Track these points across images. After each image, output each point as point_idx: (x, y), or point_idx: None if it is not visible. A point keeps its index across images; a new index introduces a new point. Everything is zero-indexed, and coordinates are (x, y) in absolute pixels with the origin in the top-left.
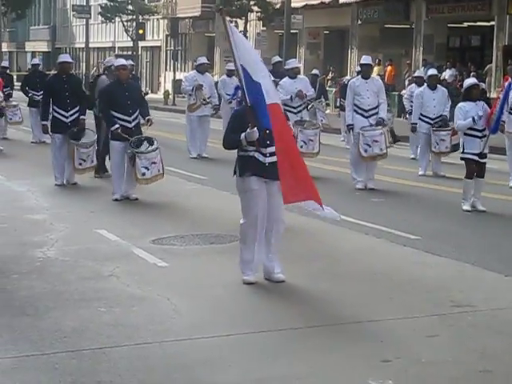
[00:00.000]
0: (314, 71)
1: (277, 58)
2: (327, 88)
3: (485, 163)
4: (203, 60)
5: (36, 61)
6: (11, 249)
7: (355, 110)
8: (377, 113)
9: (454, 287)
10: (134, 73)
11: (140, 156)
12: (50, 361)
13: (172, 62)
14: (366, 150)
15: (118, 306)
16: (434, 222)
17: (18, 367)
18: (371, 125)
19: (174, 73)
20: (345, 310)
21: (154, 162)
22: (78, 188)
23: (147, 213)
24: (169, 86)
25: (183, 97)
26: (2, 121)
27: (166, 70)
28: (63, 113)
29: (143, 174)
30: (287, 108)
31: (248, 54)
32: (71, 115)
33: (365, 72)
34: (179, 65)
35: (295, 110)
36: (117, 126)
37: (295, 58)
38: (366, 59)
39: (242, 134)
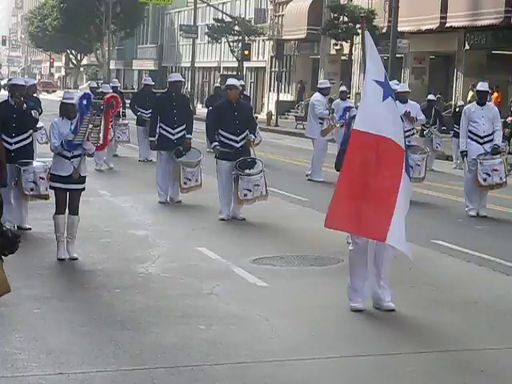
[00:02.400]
0: (430, 96)
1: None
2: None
3: None
4: (327, 84)
5: (149, 80)
6: (114, 264)
7: (470, 137)
8: (491, 140)
9: None
10: (245, 93)
11: (243, 178)
12: (149, 376)
13: (276, 83)
14: (485, 179)
15: (218, 324)
16: None
17: (119, 381)
18: (486, 152)
19: (278, 94)
20: (444, 338)
21: (257, 185)
22: (181, 206)
23: (248, 232)
24: (272, 107)
25: (286, 118)
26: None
27: (269, 90)
28: (170, 130)
29: (245, 195)
30: None
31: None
32: (178, 133)
33: (481, 98)
34: (283, 86)
35: (405, 135)
36: (215, 143)
37: (400, 82)
38: (483, 85)
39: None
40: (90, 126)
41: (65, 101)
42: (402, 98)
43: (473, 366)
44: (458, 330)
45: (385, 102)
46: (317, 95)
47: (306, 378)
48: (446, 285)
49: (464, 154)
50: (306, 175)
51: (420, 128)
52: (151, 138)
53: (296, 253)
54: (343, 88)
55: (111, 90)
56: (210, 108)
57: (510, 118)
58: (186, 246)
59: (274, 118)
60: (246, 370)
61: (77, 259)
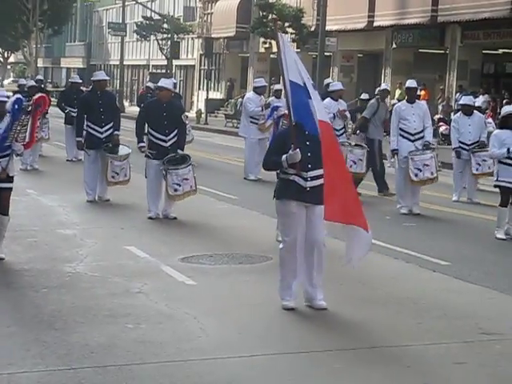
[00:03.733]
0: (364, 96)
1: (328, 80)
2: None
3: None
4: (263, 82)
5: (76, 78)
6: (41, 263)
7: (401, 135)
8: (422, 137)
9: (483, 314)
10: (176, 91)
11: (171, 172)
12: (77, 376)
13: (205, 81)
14: (416, 175)
15: (146, 322)
16: (465, 248)
17: (45, 381)
18: (418, 149)
19: (207, 92)
20: (372, 335)
21: (186, 179)
22: (109, 205)
23: (177, 231)
24: (201, 105)
25: (215, 116)
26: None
27: (199, 88)
28: (98, 129)
29: (175, 190)
30: None
31: (300, 69)
32: (106, 131)
33: (411, 96)
34: (212, 84)
35: (338, 133)
36: (142, 144)
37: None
38: (412, 83)
39: (284, 156)
40: (19, 127)
41: None
42: (334, 96)
43: (400, 362)
44: (386, 326)
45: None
46: (250, 94)
47: (234, 376)
48: (374, 282)
49: (395, 152)
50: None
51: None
52: (78, 138)
53: (225, 251)
54: (277, 86)
55: (32, 83)
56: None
57: (436, 116)
58: (115, 244)
59: (203, 116)
60: (174, 368)
61: (3, 259)
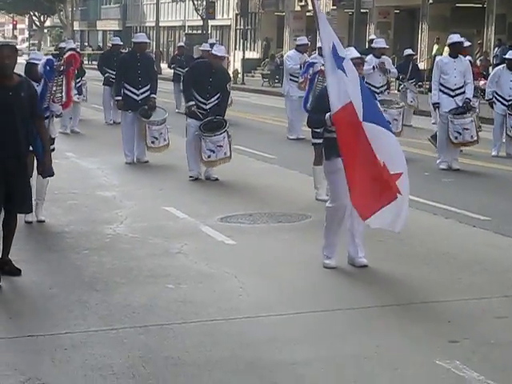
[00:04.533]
0: (408, 51)
1: (372, 36)
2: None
3: None
4: (305, 40)
5: (117, 40)
6: (81, 225)
7: (441, 90)
8: (463, 93)
9: None
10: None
11: (205, 139)
12: (119, 336)
13: (241, 41)
14: (456, 138)
15: (186, 282)
16: (505, 203)
17: (88, 342)
18: (458, 106)
19: (244, 52)
20: (411, 291)
21: (220, 146)
22: (148, 166)
23: (215, 191)
24: (238, 65)
25: (252, 76)
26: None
27: (235, 48)
28: (134, 90)
29: (209, 157)
30: (370, 87)
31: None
32: (142, 93)
33: (454, 50)
34: (248, 44)
35: (378, 91)
36: (191, 103)
37: (365, 37)
38: (456, 37)
39: (327, 114)
40: (54, 87)
41: (31, 61)
42: (377, 53)
43: (441, 318)
44: (426, 282)
45: (335, 75)
46: (291, 52)
47: (274, 334)
48: (413, 238)
49: (436, 105)
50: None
51: (397, 83)
52: (117, 98)
53: (263, 210)
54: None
55: (72, 46)
56: (187, 69)
57: (481, 82)
58: (154, 206)
59: (240, 76)
60: (215, 327)
61: (44, 221)
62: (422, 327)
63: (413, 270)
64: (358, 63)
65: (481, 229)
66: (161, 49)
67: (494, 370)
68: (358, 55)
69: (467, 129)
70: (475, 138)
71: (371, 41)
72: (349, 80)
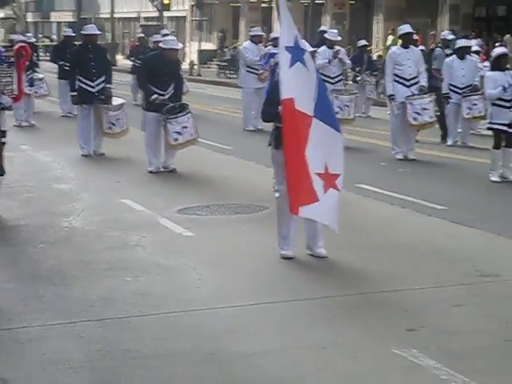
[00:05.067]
0: (362, 42)
1: (323, 27)
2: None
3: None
4: (259, 31)
5: (69, 32)
6: (38, 218)
7: (396, 80)
8: (417, 82)
9: (480, 257)
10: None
11: (171, 121)
12: (77, 329)
13: (197, 32)
14: (415, 118)
15: (144, 275)
16: (460, 192)
17: (45, 336)
18: (414, 94)
19: (200, 43)
20: (370, 280)
21: (186, 127)
22: (105, 159)
23: (172, 183)
24: (194, 57)
25: (208, 67)
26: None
27: (191, 40)
28: (89, 83)
29: (176, 140)
30: (325, 78)
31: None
32: (97, 85)
33: (405, 41)
34: (204, 35)
35: (332, 81)
36: (155, 96)
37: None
38: (406, 28)
39: (280, 107)
40: (3, 79)
41: None
42: (330, 44)
43: (399, 306)
44: (385, 271)
45: (292, 68)
46: (246, 43)
47: (233, 325)
48: (371, 228)
49: (392, 97)
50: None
51: (353, 74)
52: (72, 93)
53: (221, 201)
54: (274, 35)
55: (22, 38)
56: (140, 63)
57: None
58: (111, 198)
59: (196, 67)
60: (174, 319)
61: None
62: (380, 316)
63: (371, 260)
64: (312, 57)
65: (437, 218)
66: (116, 40)
67: (451, 357)
68: (312, 49)
69: (426, 109)
70: (434, 119)
71: (322, 32)
72: (308, 73)
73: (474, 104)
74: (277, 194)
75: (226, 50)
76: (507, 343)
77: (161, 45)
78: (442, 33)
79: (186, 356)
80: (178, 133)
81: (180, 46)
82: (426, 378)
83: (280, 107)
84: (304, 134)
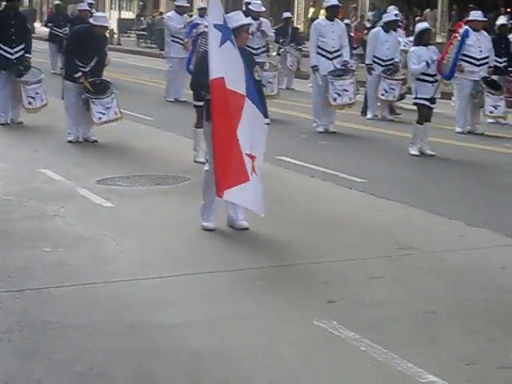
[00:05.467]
0: (286, 14)
1: None
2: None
3: (433, 108)
4: (184, 2)
5: None
6: None
7: (319, 53)
8: (340, 55)
9: (399, 230)
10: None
11: (94, 102)
12: None
13: (117, 0)
14: (335, 99)
15: (63, 245)
16: (380, 165)
17: None
18: (336, 68)
19: (120, 12)
20: (291, 252)
21: (109, 107)
22: (23, 127)
23: (92, 153)
24: (114, 26)
25: (128, 36)
26: None
27: (111, 8)
28: (8, 50)
29: (99, 119)
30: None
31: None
32: (16, 52)
33: (330, 13)
34: (124, 3)
35: (256, 52)
36: (79, 74)
37: (241, 0)
38: (332, 0)
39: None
40: None
41: None
42: (255, 15)
43: (319, 278)
44: (304, 243)
45: (222, 47)
46: (171, 13)
47: (154, 297)
48: (291, 200)
49: (315, 68)
50: None
51: (277, 47)
52: None
53: (142, 172)
54: (201, 5)
55: None
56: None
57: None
58: (29, 168)
59: (116, 36)
60: (94, 290)
61: None
62: (301, 288)
63: (292, 232)
64: (247, 30)
65: (357, 191)
66: (35, 7)
67: (370, 329)
68: (249, 22)
69: (347, 90)
70: (353, 100)
71: (247, 3)
72: (236, 52)
73: (392, 88)
74: (206, 167)
75: (142, 18)
76: (424, 314)
77: (91, 20)
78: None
79: (107, 327)
80: (102, 113)
81: (110, 22)
82: (346, 349)
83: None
84: (237, 113)
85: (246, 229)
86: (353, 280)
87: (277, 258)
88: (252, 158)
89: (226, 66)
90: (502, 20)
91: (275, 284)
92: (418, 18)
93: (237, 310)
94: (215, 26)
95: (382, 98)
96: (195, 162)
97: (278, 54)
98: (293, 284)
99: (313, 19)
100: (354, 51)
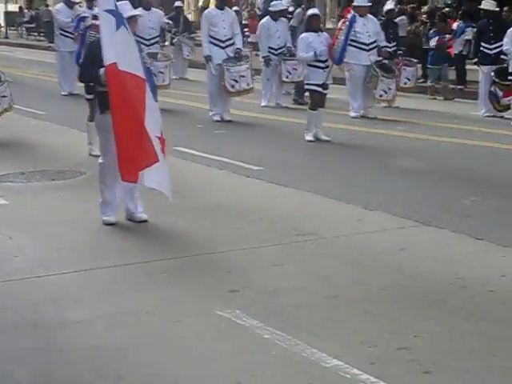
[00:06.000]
0: (177, 3)
1: None
2: None
3: (326, 94)
4: None
5: None
6: None
7: (211, 42)
8: (232, 44)
9: (298, 216)
10: None
11: None
12: None
13: None
14: (232, 86)
15: None
16: (276, 152)
17: None
18: (229, 56)
19: (6, 4)
20: (191, 243)
21: (4, 96)
22: None
23: None
24: (0, 19)
25: (16, 29)
26: None
27: None
28: None
29: None
30: (140, 40)
31: None
32: None
33: (220, 2)
34: None
35: (148, 43)
36: None
37: None
38: None
39: (101, 70)
40: None
41: None
42: (146, 6)
43: (220, 268)
44: (205, 234)
45: (118, 32)
46: (59, 6)
47: (55, 294)
48: (189, 190)
49: (208, 58)
50: None
51: (170, 36)
52: None
53: (37, 168)
54: None
55: None
56: None
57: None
58: None
59: (3, 29)
60: None
61: None
62: (203, 279)
63: (191, 223)
64: (135, 20)
65: (255, 179)
66: None
67: (273, 316)
68: (136, 13)
69: (244, 76)
70: (251, 86)
71: None
72: (130, 38)
73: (294, 69)
74: (100, 160)
75: (26, 11)
76: (326, 299)
77: None
78: None
79: (7, 327)
80: None
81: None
82: (250, 337)
83: (102, 70)
84: (140, 96)
85: (146, 221)
86: (254, 268)
87: (177, 250)
88: (162, 140)
89: (120, 50)
90: (389, 5)
91: (176, 276)
92: (303, 6)
93: (139, 304)
94: (107, 11)
95: (287, 80)
96: (90, 155)
97: (172, 44)
98: (194, 275)
99: (203, 8)
100: (249, 39)
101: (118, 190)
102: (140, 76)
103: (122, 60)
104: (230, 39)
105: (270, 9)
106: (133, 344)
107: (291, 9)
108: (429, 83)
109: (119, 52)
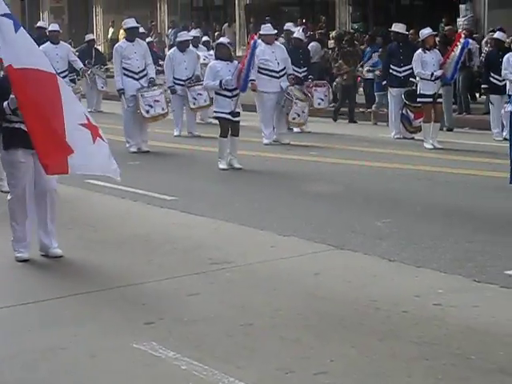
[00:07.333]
0: (89, 36)
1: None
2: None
3: (238, 121)
4: None
5: None
6: None
7: (125, 74)
8: (146, 75)
9: (212, 245)
10: None
11: None
12: None
13: None
14: (147, 111)
15: None
16: (190, 181)
17: None
18: (143, 86)
19: None
20: (105, 277)
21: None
22: None
23: None
24: None
25: None
26: None
27: None
28: None
29: None
30: None
31: None
32: None
33: (131, 35)
34: None
35: (62, 74)
36: None
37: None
38: (131, 22)
39: (5, 103)
40: None
41: None
42: (53, 39)
43: (136, 300)
44: (119, 266)
45: (18, 33)
46: None
47: None
48: (103, 223)
49: (121, 91)
50: None
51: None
52: None
53: None
54: None
55: None
56: None
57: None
58: None
59: None
60: None
61: None
62: (118, 312)
63: (105, 256)
64: None
65: (168, 209)
66: None
67: (190, 347)
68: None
69: (158, 101)
70: (166, 110)
71: (40, 28)
72: (30, 38)
73: (199, 94)
74: (9, 197)
75: None
76: (242, 327)
77: None
78: (287, 24)
79: None
80: None
81: None
82: (167, 369)
83: (5, 103)
84: (52, 89)
85: (60, 256)
86: (169, 299)
87: (92, 284)
88: (89, 125)
89: (22, 50)
90: (296, 34)
91: (91, 310)
92: (217, 33)
93: (53, 341)
94: (4, 15)
95: (194, 107)
96: (1, 191)
97: (83, 77)
98: (109, 309)
99: (112, 39)
100: (160, 67)
101: (27, 225)
102: (48, 71)
103: (21, 59)
104: (143, 70)
105: (177, 39)
106: (51, 381)
107: (205, 38)
108: (373, 108)
109: (19, 53)
